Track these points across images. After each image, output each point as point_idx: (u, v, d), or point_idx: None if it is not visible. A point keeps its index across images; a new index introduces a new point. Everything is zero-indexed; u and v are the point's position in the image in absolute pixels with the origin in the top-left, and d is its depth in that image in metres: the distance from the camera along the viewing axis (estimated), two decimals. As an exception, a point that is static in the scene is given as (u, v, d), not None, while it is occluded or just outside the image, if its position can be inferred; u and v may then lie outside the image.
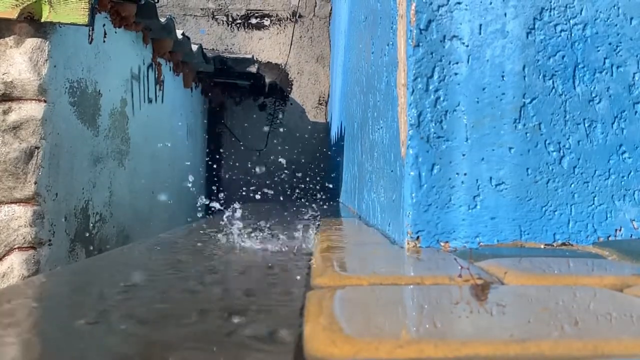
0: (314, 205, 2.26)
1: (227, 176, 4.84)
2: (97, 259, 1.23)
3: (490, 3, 1.17)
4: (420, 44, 1.16)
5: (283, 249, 1.22)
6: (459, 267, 0.81)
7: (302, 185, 4.43)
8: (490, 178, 1.16)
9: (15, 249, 1.90)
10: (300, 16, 5.08)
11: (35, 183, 1.93)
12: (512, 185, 1.16)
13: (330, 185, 4.01)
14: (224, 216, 1.48)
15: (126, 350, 0.52)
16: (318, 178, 4.73)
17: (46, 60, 1.97)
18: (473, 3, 1.17)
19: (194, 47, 3.78)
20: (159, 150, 3.36)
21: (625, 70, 1.18)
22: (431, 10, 1.16)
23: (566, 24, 1.18)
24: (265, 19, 5.07)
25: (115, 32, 2.62)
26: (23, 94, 1.95)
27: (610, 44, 1.18)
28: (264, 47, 5.06)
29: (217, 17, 5.06)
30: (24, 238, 1.91)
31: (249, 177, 4.62)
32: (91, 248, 2.34)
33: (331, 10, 5.01)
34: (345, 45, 3.14)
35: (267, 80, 5.03)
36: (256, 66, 4.73)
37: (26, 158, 1.92)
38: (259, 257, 1.10)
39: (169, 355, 0.50)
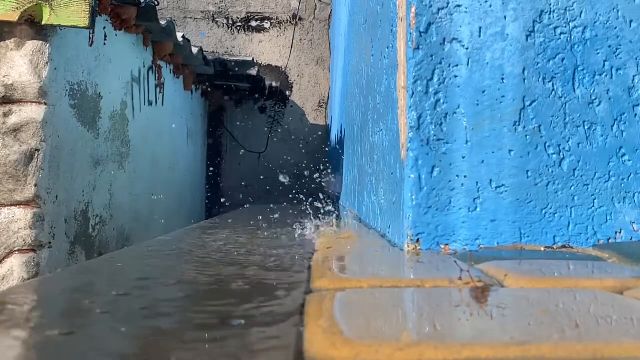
0: (314, 207, 2.26)
1: (227, 178, 4.84)
2: (96, 262, 1.23)
3: (490, 6, 1.18)
4: (420, 47, 1.16)
5: (282, 251, 1.22)
6: (459, 270, 0.81)
7: (302, 188, 4.43)
8: (490, 180, 1.16)
9: (15, 251, 1.90)
10: (300, 19, 5.09)
11: (36, 185, 1.93)
12: (512, 187, 1.16)
13: (330, 188, 4.01)
14: (225, 218, 1.48)
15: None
16: (318, 180, 4.73)
17: (47, 62, 1.98)
18: (473, 6, 1.17)
19: (195, 50, 3.79)
20: (159, 152, 3.36)
21: (625, 73, 1.18)
22: (431, 13, 1.17)
23: (566, 26, 1.18)
24: (266, 21, 5.08)
25: (116, 35, 2.62)
26: (23, 96, 1.95)
27: (609, 46, 1.18)
28: (264, 50, 5.06)
29: (217, 20, 5.07)
30: (24, 240, 1.91)
31: (248, 180, 4.62)
32: (91, 251, 2.34)
33: (331, 13, 5.01)
34: (345, 48, 3.15)
35: (268, 82, 5.03)
36: (256, 69, 4.73)
37: (26, 160, 1.93)
38: (258, 259, 1.10)
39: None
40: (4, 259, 1.90)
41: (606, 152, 1.17)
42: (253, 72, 4.67)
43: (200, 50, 3.93)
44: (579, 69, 1.18)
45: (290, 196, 3.88)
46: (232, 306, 0.71)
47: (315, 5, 5.12)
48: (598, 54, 1.18)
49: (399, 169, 1.25)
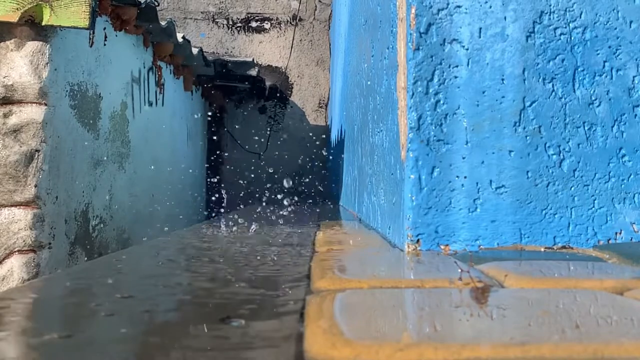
0: (314, 208, 2.26)
1: (227, 179, 4.84)
2: (96, 263, 1.23)
3: (490, 7, 1.18)
4: (420, 47, 1.16)
5: (283, 251, 1.22)
6: (459, 270, 0.81)
7: (303, 188, 4.43)
8: (491, 181, 1.16)
9: (15, 252, 1.90)
10: (300, 19, 5.09)
11: (36, 186, 1.93)
12: (512, 188, 1.16)
13: (331, 188, 4.01)
14: (224, 218, 1.48)
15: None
16: (318, 181, 4.73)
17: (47, 63, 1.98)
18: (473, 6, 1.17)
19: (195, 51, 3.79)
20: (159, 153, 3.36)
21: (625, 74, 1.18)
22: (431, 14, 1.17)
23: (566, 27, 1.18)
24: (266, 22, 5.08)
25: (116, 36, 2.62)
26: (24, 97, 1.95)
27: (609, 47, 1.18)
28: (264, 51, 5.06)
29: (217, 20, 5.07)
30: (24, 241, 1.91)
31: (249, 180, 4.62)
32: (91, 251, 2.34)
33: (331, 13, 5.02)
34: (345, 49, 3.15)
35: (268, 83, 5.03)
36: (256, 69, 4.73)
37: (26, 161, 1.93)
38: (259, 260, 1.10)
39: None
40: (4, 259, 1.90)
41: (606, 153, 1.17)
42: (253, 72, 4.67)
43: (200, 50, 3.93)
44: (579, 69, 1.18)
45: (290, 196, 3.88)
46: (232, 306, 0.71)
47: (315, 6, 5.12)
48: (598, 54, 1.18)
49: (399, 169, 1.25)
